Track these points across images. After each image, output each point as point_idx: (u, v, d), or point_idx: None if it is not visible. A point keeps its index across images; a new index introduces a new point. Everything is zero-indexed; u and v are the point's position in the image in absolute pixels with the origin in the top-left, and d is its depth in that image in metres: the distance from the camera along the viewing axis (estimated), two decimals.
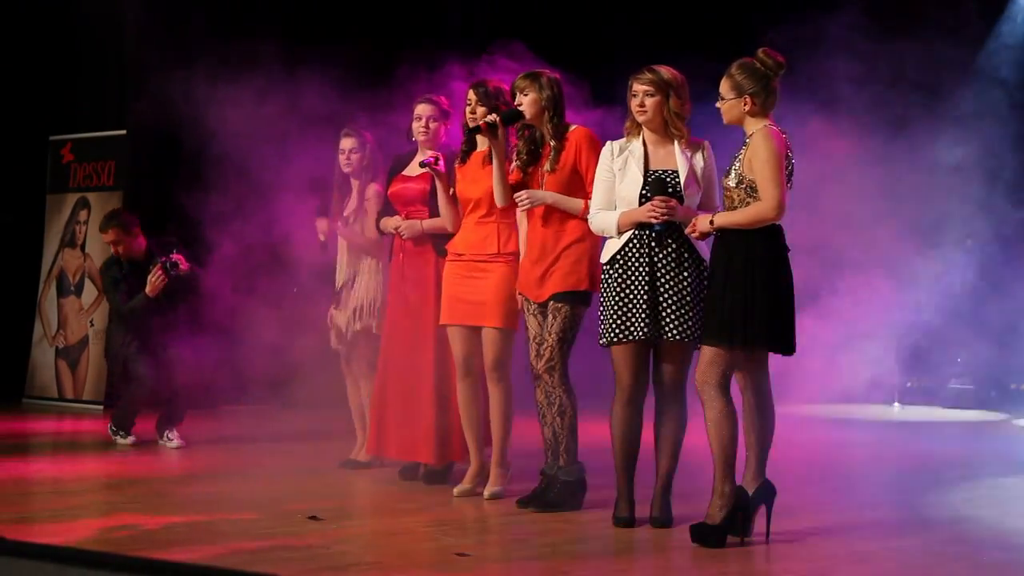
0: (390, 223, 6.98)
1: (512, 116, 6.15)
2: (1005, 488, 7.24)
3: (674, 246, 5.67)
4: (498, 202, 6.24)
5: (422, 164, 6.63)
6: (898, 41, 10.27)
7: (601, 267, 5.83)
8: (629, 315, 5.66)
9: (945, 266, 10.89)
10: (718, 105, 5.48)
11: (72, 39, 11.02)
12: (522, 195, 6.13)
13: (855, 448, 9.00)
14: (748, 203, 5.34)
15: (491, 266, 6.39)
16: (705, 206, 5.73)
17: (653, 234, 5.64)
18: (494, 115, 6.17)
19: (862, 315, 10.75)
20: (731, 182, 5.41)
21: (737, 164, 5.41)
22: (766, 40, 5.58)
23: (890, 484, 7.42)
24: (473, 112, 6.40)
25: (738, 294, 5.31)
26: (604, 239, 5.85)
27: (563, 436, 6.11)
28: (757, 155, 5.33)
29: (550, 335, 6.05)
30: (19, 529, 5.33)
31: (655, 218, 5.60)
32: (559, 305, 6.06)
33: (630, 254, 5.69)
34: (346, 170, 7.39)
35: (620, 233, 5.71)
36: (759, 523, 5.42)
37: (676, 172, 5.69)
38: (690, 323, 5.63)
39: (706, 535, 5.33)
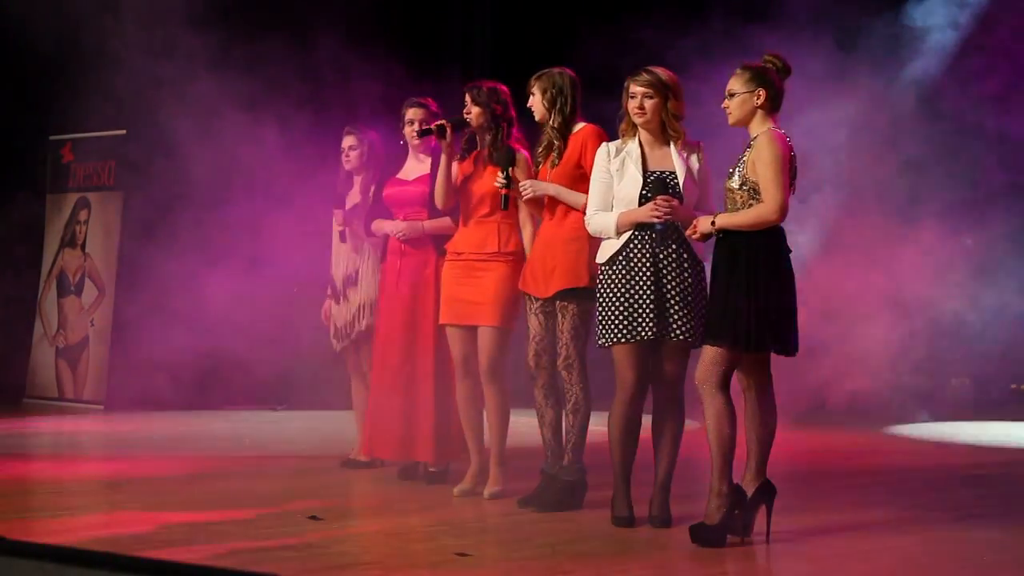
0: (387, 226, 7.00)
1: (458, 123, 6.50)
2: (1005, 488, 7.25)
3: (674, 247, 5.66)
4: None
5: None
6: None
7: (597, 267, 5.83)
8: (634, 315, 5.65)
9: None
10: (725, 104, 5.45)
11: (72, 39, 11.00)
12: (525, 184, 6.14)
13: (854, 448, 9.00)
14: (751, 205, 5.34)
15: (490, 265, 6.38)
16: (701, 208, 5.72)
17: (655, 234, 5.64)
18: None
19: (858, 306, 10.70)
20: (734, 184, 5.41)
21: (741, 166, 5.41)
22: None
23: (890, 484, 7.42)
24: (468, 112, 6.47)
25: (740, 295, 5.30)
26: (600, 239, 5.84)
27: (573, 434, 6.09)
28: (761, 157, 5.32)
29: (563, 333, 6.05)
30: (19, 529, 5.32)
31: (657, 217, 5.59)
32: (566, 303, 6.05)
33: (632, 254, 5.68)
34: (347, 167, 7.53)
35: (619, 234, 5.71)
36: (759, 523, 5.42)
37: (674, 173, 5.70)
38: (693, 324, 5.64)
39: (705, 535, 5.32)
